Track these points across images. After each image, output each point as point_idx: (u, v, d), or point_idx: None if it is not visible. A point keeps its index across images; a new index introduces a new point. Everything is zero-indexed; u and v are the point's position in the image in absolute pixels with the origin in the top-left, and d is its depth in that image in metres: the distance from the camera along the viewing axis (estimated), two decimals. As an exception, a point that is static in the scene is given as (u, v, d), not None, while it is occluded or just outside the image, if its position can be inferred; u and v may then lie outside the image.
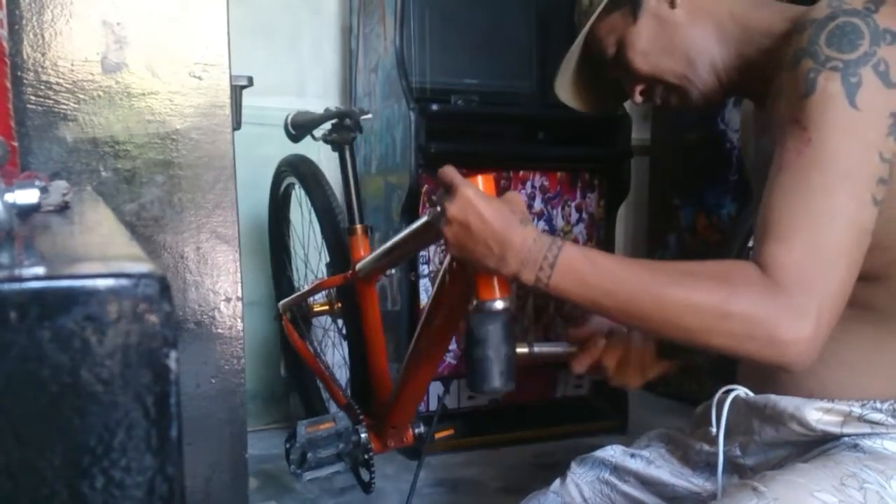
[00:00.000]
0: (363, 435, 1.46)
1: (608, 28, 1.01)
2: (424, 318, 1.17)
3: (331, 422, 1.47)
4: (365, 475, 1.49)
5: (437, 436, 1.56)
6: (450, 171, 0.89)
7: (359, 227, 1.73)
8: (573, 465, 1.11)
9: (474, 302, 0.87)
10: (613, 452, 1.09)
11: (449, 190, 0.86)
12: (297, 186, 2.11)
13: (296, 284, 2.25)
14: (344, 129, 1.77)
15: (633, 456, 1.07)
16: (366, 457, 1.47)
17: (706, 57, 0.96)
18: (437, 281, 1.07)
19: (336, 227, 1.84)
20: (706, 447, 1.00)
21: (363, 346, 1.72)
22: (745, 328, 0.74)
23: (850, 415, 0.84)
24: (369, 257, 1.60)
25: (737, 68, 0.95)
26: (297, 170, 2.05)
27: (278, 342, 2.35)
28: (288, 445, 1.42)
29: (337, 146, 1.81)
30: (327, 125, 1.81)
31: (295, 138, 1.88)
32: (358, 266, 1.64)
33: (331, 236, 1.86)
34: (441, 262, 2.01)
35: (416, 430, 1.52)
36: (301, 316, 1.94)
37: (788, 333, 0.73)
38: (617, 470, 1.07)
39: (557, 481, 1.10)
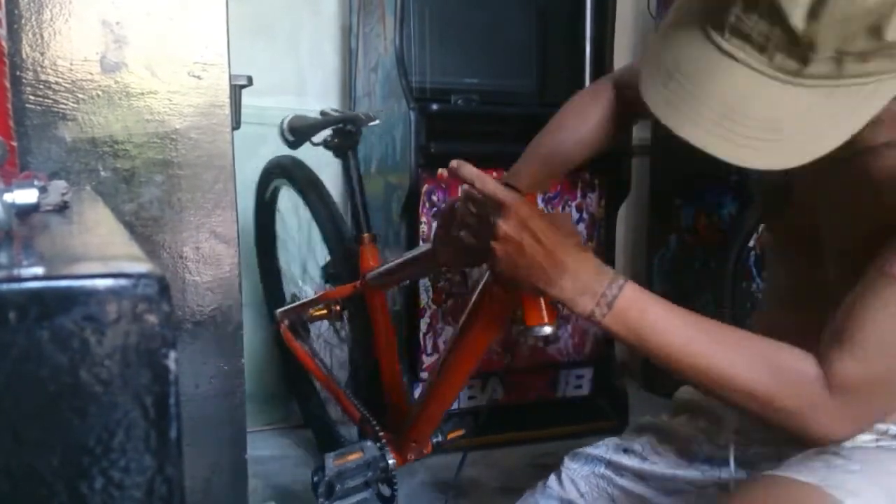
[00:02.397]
0: (391, 461, 1.44)
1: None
2: (456, 335, 1.15)
3: (359, 452, 1.44)
4: (386, 490, 1.47)
5: (450, 436, 1.55)
6: (493, 185, 0.86)
7: (367, 235, 1.67)
8: (566, 460, 1.11)
9: (521, 327, 0.88)
10: (606, 448, 1.09)
11: (499, 207, 0.84)
12: (283, 189, 2.03)
13: (284, 288, 2.22)
14: (347, 134, 1.69)
15: (626, 451, 1.07)
16: (391, 476, 1.45)
17: None
18: (475, 298, 1.05)
19: (342, 236, 1.77)
20: (706, 441, 1.00)
21: (376, 357, 1.67)
22: (785, 418, 0.78)
23: (886, 433, 0.84)
24: (382, 267, 1.56)
25: None
26: (290, 174, 1.96)
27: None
28: (315, 479, 1.41)
29: (340, 153, 1.73)
30: (328, 130, 1.73)
31: (292, 144, 1.79)
32: (369, 276, 1.60)
33: (336, 246, 1.79)
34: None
35: (434, 440, 1.50)
36: (300, 322, 1.90)
37: (822, 431, 0.78)
38: (611, 465, 1.07)
39: (552, 478, 1.10)
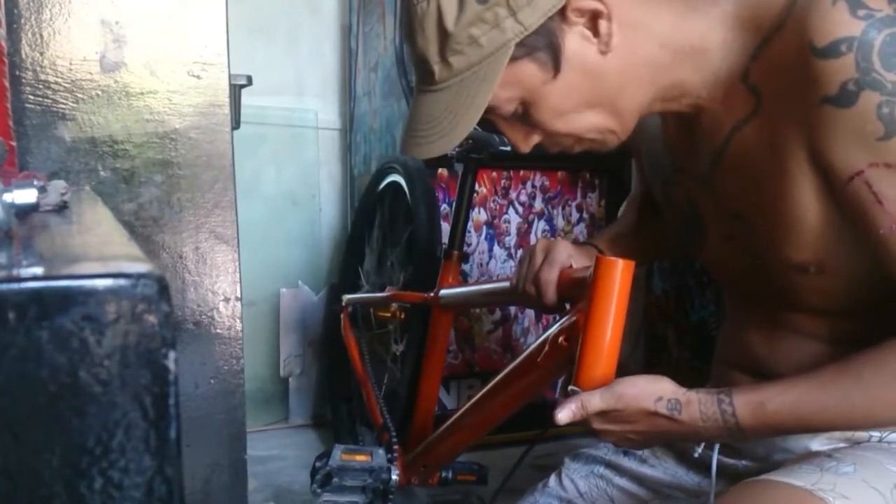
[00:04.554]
0: (394, 477, 1.43)
1: (511, 80, 0.78)
2: (504, 377, 1.10)
3: (368, 455, 1.43)
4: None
5: (459, 477, 1.54)
6: (576, 410, 0.82)
7: (456, 252, 1.65)
8: (566, 460, 1.11)
9: (569, 387, 0.83)
10: (606, 449, 1.09)
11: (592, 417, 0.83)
12: (396, 185, 2.06)
13: (362, 278, 2.24)
14: (477, 151, 1.68)
15: (625, 453, 1.07)
16: (387, 488, 1.44)
17: (636, 103, 0.82)
18: (534, 346, 0.99)
19: (433, 244, 1.79)
20: (701, 447, 1.00)
21: (419, 373, 1.65)
22: None
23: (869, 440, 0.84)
24: (460, 289, 1.55)
25: (664, 99, 0.83)
26: (409, 173, 1.99)
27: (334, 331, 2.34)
28: (318, 464, 1.40)
29: (467, 166, 1.74)
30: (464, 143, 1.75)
31: None
32: (442, 292, 1.57)
33: (425, 252, 1.81)
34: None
35: (444, 475, 1.48)
36: (362, 314, 1.90)
37: None
38: (611, 466, 1.07)
39: (552, 477, 1.10)
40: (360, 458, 1.41)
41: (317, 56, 2.53)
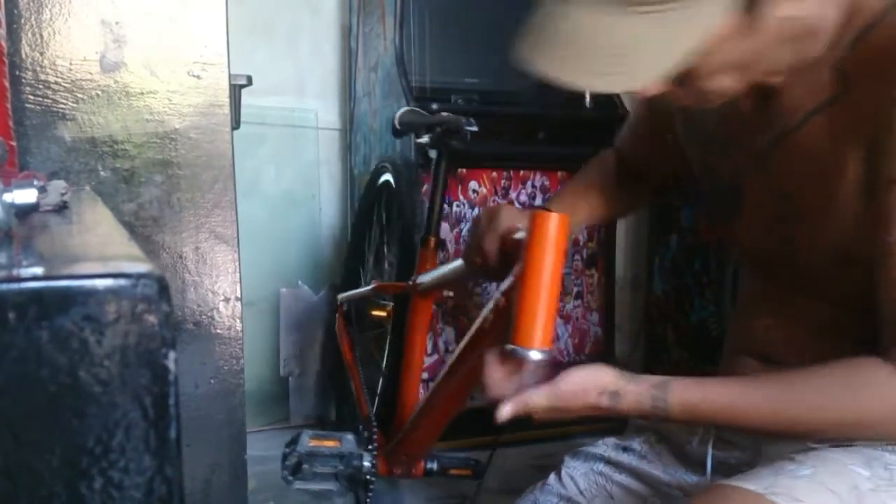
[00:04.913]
0: (366, 463, 1.42)
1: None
2: (457, 357, 1.10)
3: (336, 441, 1.42)
4: (362, 496, 1.47)
5: (452, 472, 1.53)
6: (498, 389, 0.81)
7: (432, 239, 1.68)
8: (566, 458, 1.11)
9: (507, 346, 0.80)
10: (605, 447, 1.09)
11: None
12: (391, 184, 2.11)
13: (362, 280, 2.27)
14: (447, 136, 1.71)
15: (625, 450, 1.07)
16: (366, 478, 1.44)
17: (758, 74, 0.78)
18: (477, 323, 0.99)
19: (410, 232, 1.81)
20: (698, 443, 1.00)
21: (400, 361, 1.67)
22: (879, 433, 0.78)
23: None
24: (432, 273, 1.56)
25: (763, 73, 0.79)
26: (396, 169, 2.04)
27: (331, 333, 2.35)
28: (287, 450, 1.40)
29: (435, 151, 1.76)
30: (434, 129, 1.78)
31: (398, 134, 1.86)
32: (418, 279, 1.60)
33: (403, 241, 1.84)
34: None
35: (429, 466, 1.48)
36: (357, 314, 1.92)
37: None
38: (610, 463, 1.07)
39: (552, 475, 1.10)
40: (329, 443, 1.40)
41: (317, 56, 2.52)
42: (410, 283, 1.63)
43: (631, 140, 1.14)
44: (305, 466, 1.37)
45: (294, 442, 1.39)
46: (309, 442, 1.39)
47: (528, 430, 2.26)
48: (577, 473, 1.08)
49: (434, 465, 1.49)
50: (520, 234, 0.92)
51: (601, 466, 1.07)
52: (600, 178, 1.15)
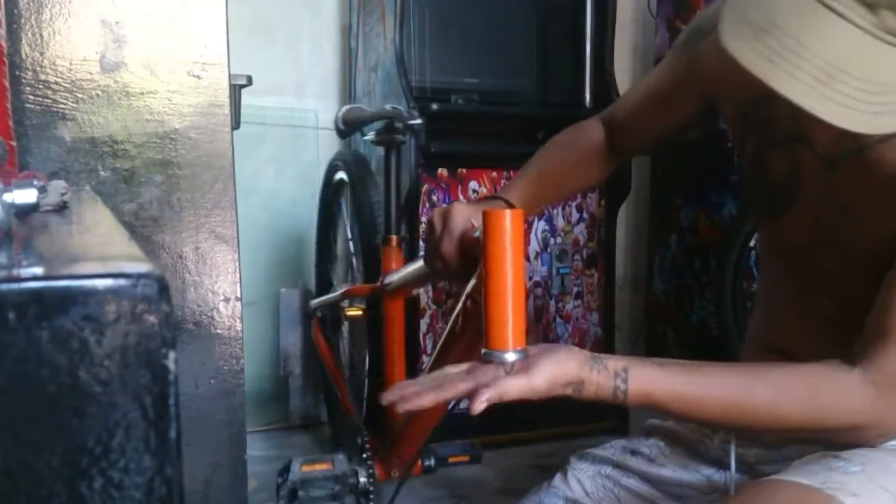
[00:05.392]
0: (362, 479, 1.39)
1: None
2: (435, 357, 1.08)
3: (328, 463, 1.39)
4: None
5: (453, 460, 1.52)
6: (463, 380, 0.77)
7: (394, 237, 1.66)
8: (573, 459, 1.11)
9: (482, 350, 0.79)
10: (613, 449, 1.09)
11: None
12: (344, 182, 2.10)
13: (335, 281, 2.26)
14: (394, 130, 1.67)
15: (633, 453, 1.06)
16: (367, 490, 1.41)
17: None
18: (450, 323, 0.98)
19: (371, 233, 1.78)
20: (713, 444, 1.00)
21: (382, 362, 1.65)
22: (841, 434, 0.78)
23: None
24: (398, 273, 1.54)
25: None
26: (349, 167, 2.02)
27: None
28: (280, 480, 1.37)
29: (384, 148, 1.73)
30: (378, 124, 1.73)
31: (343, 134, 1.82)
32: (386, 279, 1.58)
33: (365, 243, 1.81)
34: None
35: (426, 463, 1.45)
36: (332, 319, 1.90)
37: (878, 432, 0.78)
38: (618, 466, 1.07)
39: (558, 476, 1.09)
40: (321, 466, 1.38)
41: (317, 56, 2.53)
42: (379, 284, 1.60)
43: (632, 109, 1.12)
44: (301, 493, 1.35)
45: (286, 470, 1.37)
46: (301, 468, 1.37)
47: (527, 430, 2.27)
48: (583, 476, 1.07)
49: (431, 462, 1.48)
50: (477, 232, 0.89)
51: (609, 470, 1.07)
52: (572, 153, 1.13)
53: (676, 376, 0.79)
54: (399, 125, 1.65)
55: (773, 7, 0.66)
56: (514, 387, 0.77)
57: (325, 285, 2.25)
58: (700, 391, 0.79)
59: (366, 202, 1.86)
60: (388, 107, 1.73)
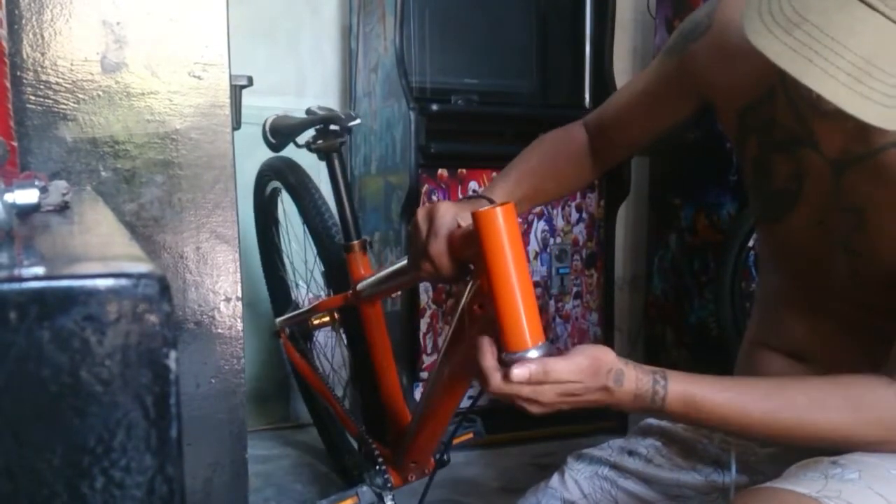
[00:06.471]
0: (389, 502, 1.36)
1: None
2: (443, 356, 1.07)
3: (353, 498, 1.34)
4: None
5: (457, 441, 1.49)
6: (489, 362, 0.75)
7: (356, 243, 1.55)
8: (570, 460, 1.10)
9: (502, 355, 0.76)
10: (610, 450, 1.08)
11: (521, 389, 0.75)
12: (283, 191, 1.93)
13: (292, 290, 2.16)
14: (330, 134, 1.55)
15: (630, 454, 1.06)
16: (387, 499, 1.38)
17: None
18: (455, 319, 0.94)
19: (332, 243, 1.65)
20: (710, 444, 1.00)
21: (373, 371, 1.58)
22: (875, 446, 0.77)
23: None
24: (372, 278, 1.47)
25: None
26: (283, 177, 1.82)
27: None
28: None
29: (323, 154, 1.59)
30: (312, 130, 1.60)
31: (276, 147, 1.68)
32: (359, 286, 1.50)
33: (327, 254, 1.67)
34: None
35: (437, 457, 1.44)
36: (301, 332, 1.80)
37: None
38: (616, 467, 1.06)
39: (555, 477, 1.09)
40: (348, 503, 1.34)
41: (317, 57, 2.52)
42: (351, 292, 1.52)
43: (620, 112, 1.10)
44: None
45: None
46: None
47: (527, 430, 2.26)
48: (580, 477, 1.07)
49: (446, 455, 1.46)
50: (465, 230, 0.88)
51: (606, 471, 1.06)
52: (554, 156, 1.12)
53: (714, 382, 0.78)
54: (336, 128, 1.53)
55: (802, 1, 0.64)
56: (559, 364, 0.74)
57: (281, 299, 2.11)
58: (740, 399, 0.78)
59: (313, 207, 1.71)
60: (316, 109, 1.60)
